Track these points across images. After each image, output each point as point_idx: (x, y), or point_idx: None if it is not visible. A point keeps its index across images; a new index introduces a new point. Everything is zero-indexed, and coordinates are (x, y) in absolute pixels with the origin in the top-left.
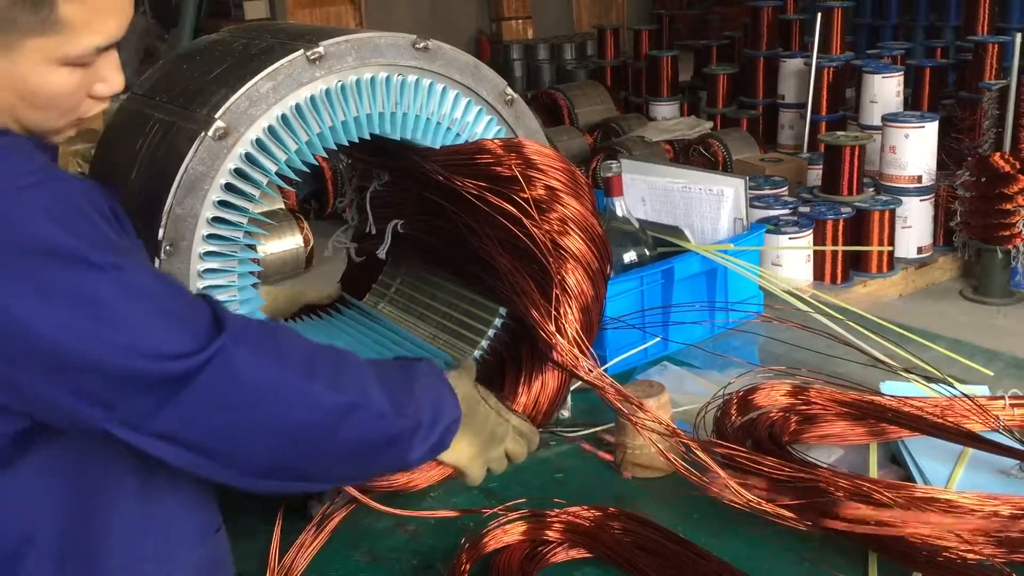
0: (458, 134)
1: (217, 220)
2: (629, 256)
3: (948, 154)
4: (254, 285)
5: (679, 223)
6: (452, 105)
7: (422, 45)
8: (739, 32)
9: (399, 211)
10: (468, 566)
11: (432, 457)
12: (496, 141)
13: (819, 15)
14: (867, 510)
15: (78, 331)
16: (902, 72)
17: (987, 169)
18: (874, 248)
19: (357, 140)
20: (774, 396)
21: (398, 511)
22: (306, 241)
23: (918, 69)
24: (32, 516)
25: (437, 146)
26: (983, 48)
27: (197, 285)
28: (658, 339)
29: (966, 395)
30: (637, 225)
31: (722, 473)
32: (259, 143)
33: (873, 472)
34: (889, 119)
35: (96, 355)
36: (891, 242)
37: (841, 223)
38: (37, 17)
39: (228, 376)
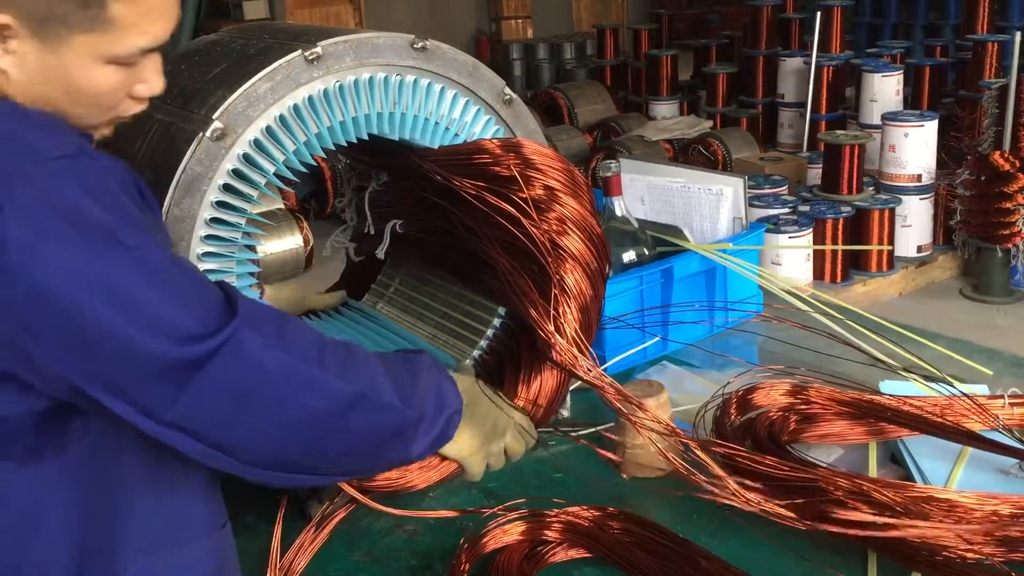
0: (456, 134)
1: (215, 221)
2: (628, 255)
3: (948, 153)
4: (254, 286)
5: (678, 222)
6: (451, 105)
7: (420, 45)
8: (739, 31)
9: (398, 211)
10: (467, 566)
11: (436, 449)
12: (495, 141)
13: (819, 14)
14: (866, 514)
15: (100, 308)
16: (902, 71)
17: (987, 168)
18: (874, 247)
19: (355, 140)
20: (773, 395)
21: (397, 511)
22: (306, 241)
23: (918, 68)
24: (49, 507)
25: (436, 146)
26: (983, 47)
27: (191, 262)
28: (657, 339)
29: (966, 394)
30: (636, 224)
31: (721, 473)
32: (257, 144)
33: (872, 471)
34: (889, 118)
35: (116, 334)
36: (891, 241)
37: (841, 222)
38: (87, 15)
39: (241, 359)
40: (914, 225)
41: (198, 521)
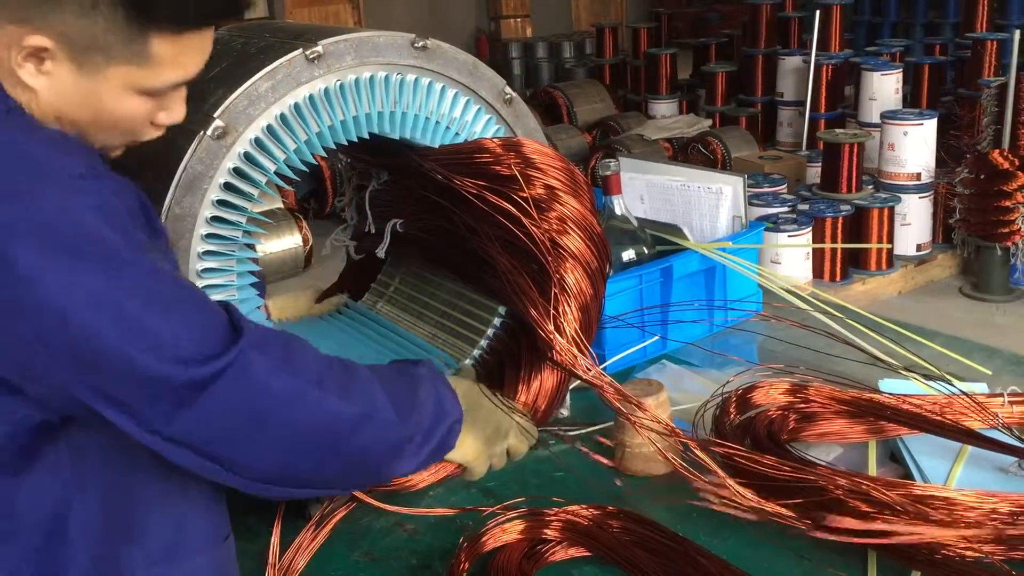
0: (457, 133)
1: (216, 219)
2: (628, 254)
3: (947, 151)
4: (260, 307)
5: (678, 221)
6: (451, 104)
7: (421, 44)
8: (738, 30)
9: (398, 210)
10: (467, 565)
11: (437, 459)
12: (495, 140)
13: (818, 12)
14: (864, 520)
15: (107, 329)
16: (901, 69)
17: (986, 166)
18: (873, 245)
19: (356, 139)
20: (773, 394)
21: (397, 509)
22: (305, 240)
23: (917, 66)
24: (65, 511)
25: (436, 145)
26: (982, 45)
27: (196, 284)
28: (657, 338)
29: (965, 392)
30: (636, 223)
31: (721, 472)
32: (258, 142)
33: (872, 470)
34: (888, 116)
35: (121, 354)
36: (890, 239)
37: (840, 221)
38: (130, 49)
39: (245, 382)
40: (913, 224)
41: (200, 532)
